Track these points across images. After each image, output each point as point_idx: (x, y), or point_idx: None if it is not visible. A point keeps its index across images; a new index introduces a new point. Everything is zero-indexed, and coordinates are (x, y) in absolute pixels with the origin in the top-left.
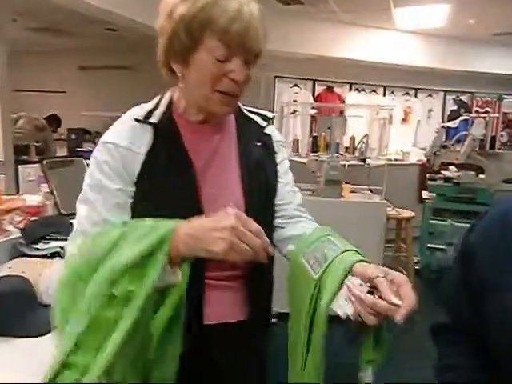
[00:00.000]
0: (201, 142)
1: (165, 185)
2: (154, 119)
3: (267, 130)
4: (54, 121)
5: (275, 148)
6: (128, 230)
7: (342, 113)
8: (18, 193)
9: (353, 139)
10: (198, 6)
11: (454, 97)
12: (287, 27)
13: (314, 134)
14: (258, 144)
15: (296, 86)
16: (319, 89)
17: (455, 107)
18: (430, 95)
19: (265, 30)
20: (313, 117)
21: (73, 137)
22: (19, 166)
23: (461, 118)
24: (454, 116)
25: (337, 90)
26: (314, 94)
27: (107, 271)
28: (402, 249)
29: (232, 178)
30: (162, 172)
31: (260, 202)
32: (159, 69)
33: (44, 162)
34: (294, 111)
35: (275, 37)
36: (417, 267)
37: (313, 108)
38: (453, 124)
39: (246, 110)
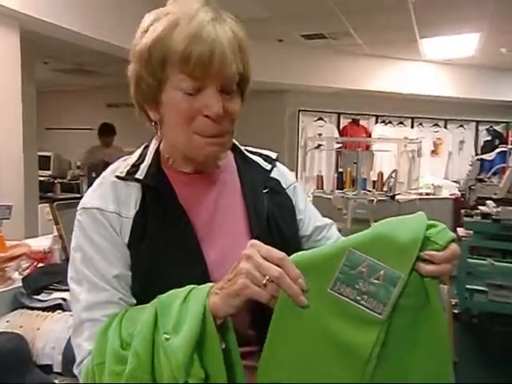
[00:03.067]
0: (198, 196)
1: (161, 253)
2: (139, 174)
3: (274, 174)
4: (108, 129)
5: (288, 193)
6: (161, 307)
7: (368, 147)
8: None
9: (381, 174)
10: (153, 37)
11: (487, 127)
12: (311, 61)
13: (340, 170)
14: (265, 191)
15: (321, 119)
16: (344, 122)
17: (489, 138)
18: (461, 126)
19: (244, 48)
20: (338, 151)
21: (93, 175)
22: (39, 205)
23: (497, 150)
24: (488, 147)
25: (362, 122)
26: (339, 128)
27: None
28: None
29: (239, 234)
30: (157, 238)
31: None
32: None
33: (55, 204)
34: (319, 145)
35: (299, 71)
36: (455, 311)
37: (338, 142)
38: (489, 156)
39: (246, 150)
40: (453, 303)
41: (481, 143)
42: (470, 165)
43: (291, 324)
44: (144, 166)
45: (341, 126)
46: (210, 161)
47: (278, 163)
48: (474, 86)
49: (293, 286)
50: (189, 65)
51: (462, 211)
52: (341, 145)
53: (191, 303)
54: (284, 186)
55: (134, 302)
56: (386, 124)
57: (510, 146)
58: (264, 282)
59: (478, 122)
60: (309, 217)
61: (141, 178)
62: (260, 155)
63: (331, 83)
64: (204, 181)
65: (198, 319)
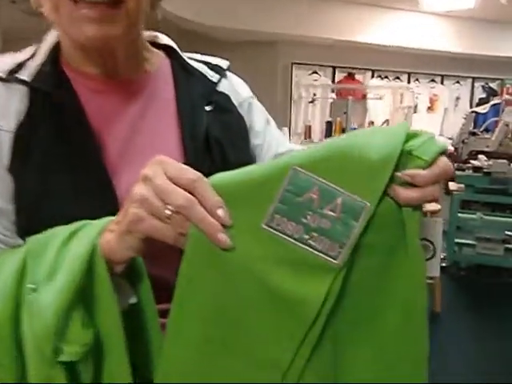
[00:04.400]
0: (113, 108)
1: (53, 182)
2: (25, 75)
3: (222, 88)
4: None
5: (240, 111)
6: (34, 248)
7: (363, 96)
8: None
9: (371, 124)
10: None
11: (482, 84)
12: (305, 11)
13: (328, 119)
14: (209, 108)
15: (315, 72)
16: (339, 76)
17: (484, 95)
18: (457, 82)
19: None
20: (332, 103)
21: None
22: None
23: (491, 103)
24: (482, 104)
25: (358, 76)
26: (333, 82)
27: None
28: None
29: None
30: (47, 162)
31: None
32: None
33: None
34: (313, 100)
35: (291, 20)
36: (443, 264)
37: (333, 91)
38: (482, 109)
39: (189, 58)
40: (441, 257)
41: (476, 100)
42: (464, 118)
43: (208, 273)
44: (33, 64)
45: (336, 80)
46: (98, 48)
47: (229, 74)
48: (472, 40)
49: (208, 219)
50: None
51: (455, 165)
52: (335, 96)
53: (75, 244)
54: (235, 102)
55: (20, 242)
56: (383, 79)
57: (504, 98)
58: (167, 212)
59: (474, 79)
60: (269, 142)
61: (27, 79)
62: (206, 63)
63: (326, 34)
64: (122, 89)
65: (79, 264)
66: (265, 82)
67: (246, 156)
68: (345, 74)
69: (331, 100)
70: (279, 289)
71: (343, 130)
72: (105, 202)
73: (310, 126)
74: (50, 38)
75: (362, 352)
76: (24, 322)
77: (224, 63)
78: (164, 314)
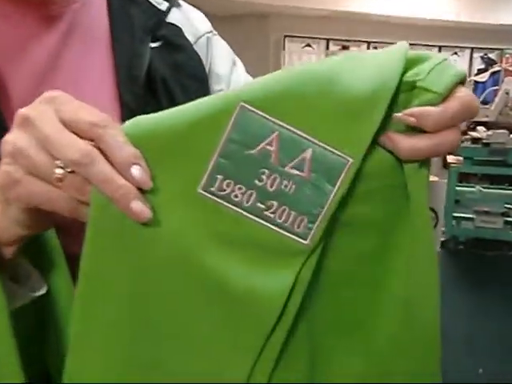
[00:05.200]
0: (20, 39)
1: None
2: None
3: (173, 19)
4: None
5: (196, 48)
6: None
7: None
8: None
9: None
10: None
11: (481, 54)
12: None
13: None
14: (155, 44)
15: (308, 46)
16: (334, 49)
17: (483, 65)
18: (455, 53)
19: None
20: None
21: None
22: None
23: (491, 71)
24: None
25: (353, 49)
26: (327, 55)
27: None
28: None
29: (100, 107)
30: None
31: None
32: None
33: None
34: None
35: None
36: (442, 238)
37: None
38: (481, 78)
39: None
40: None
41: (474, 71)
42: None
43: (120, 259)
44: None
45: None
46: None
47: (182, 2)
48: (471, 7)
49: (116, 181)
50: None
51: None
52: None
53: None
54: (190, 37)
55: None
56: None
57: (503, 66)
58: (56, 172)
59: (472, 49)
60: (233, 87)
61: None
62: None
63: (319, 4)
64: (36, 14)
65: None
66: (256, 57)
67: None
68: (339, 47)
69: None
70: (225, 280)
71: None
72: None
73: None
74: None
75: (350, 363)
76: None
77: None
78: None
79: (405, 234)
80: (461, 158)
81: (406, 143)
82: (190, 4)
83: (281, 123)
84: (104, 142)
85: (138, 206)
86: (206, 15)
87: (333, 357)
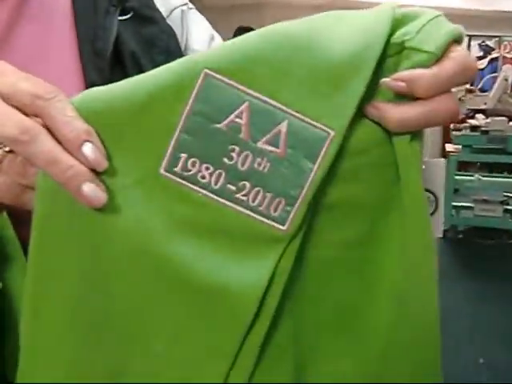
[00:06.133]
0: None
1: None
2: None
3: None
4: None
5: (169, 22)
6: None
7: None
8: None
9: None
10: None
11: (479, 42)
12: None
13: None
14: (124, 17)
15: None
16: None
17: (481, 53)
18: None
19: None
20: None
21: None
22: None
23: (489, 57)
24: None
25: None
26: None
27: None
28: None
29: (60, 82)
30: None
31: None
32: None
33: None
34: None
35: None
36: (442, 228)
37: None
38: (480, 64)
39: None
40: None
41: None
42: None
43: (72, 250)
44: None
45: None
46: None
47: None
48: None
49: (65, 161)
50: None
51: (451, 126)
52: None
53: None
54: (162, 9)
55: None
56: None
57: (502, 53)
58: None
59: (470, 37)
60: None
61: None
62: None
63: None
64: None
65: None
66: None
67: None
68: None
69: None
70: (192, 273)
71: None
72: None
73: None
74: None
75: (340, 363)
76: None
77: None
78: None
79: (396, 219)
80: (459, 147)
81: (396, 112)
82: None
83: (252, 92)
84: (49, 116)
85: (91, 189)
86: (205, 7)
87: (321, 357)
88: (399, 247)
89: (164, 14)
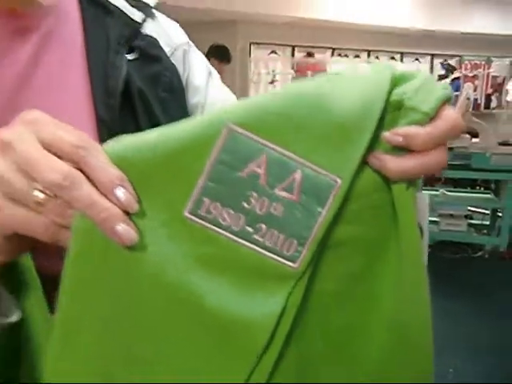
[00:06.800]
0: None
1: None
2: None
3: (148, 30)
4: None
5: (173, 60)
6: None
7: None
8: None
9: None
10: None
11: (441, 61)
12: None
13: None
14: (132, 57)
15: (274, 52)
16: (299, 55)
17: (443, 72)
18: (416, 59)
19: None
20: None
21: None
22: None
23: (451, 77)
24: (442, 80)
25: (318, 56)
26: (293, 61)
27: None
28: None
29: (75, 121)
30: None
31: None
32: None
33: None
34: (273, 81)
35: None
36: None
37: (293, 68)
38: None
39: None
40: None
41: (435, 77)
42: None
43: (103, 285)
44: None
45: (295, 60)
46: None
47: (157, 13)
48: (431, 15)
49: (101, 204)
50: None
51: None
52: (294, 73)
53: None
54: (166, 48)
55: None
56: (342, 57)
57: (463, 72)
58: (35, 195)
59: (433, 56)
60: (212, 100)
61: None
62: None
63: (284, 12)
64: (8, 29)
65: None
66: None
67: (180, 117)
68: (304, 54)
69: (291, 76)
70: (212, 305)
71: None
72: None
73: None
74: None
75: None
76: None
77: (151, 0)
78: None
79: (393, 254)
80: None
81: (394, 163)
82: (167, 11)
83: (269, 144)
84: (87, 163)
85: (124, 228)
86: (180, 23)
87: (322, 382)
88: (396, 281)
89: (168, 52)
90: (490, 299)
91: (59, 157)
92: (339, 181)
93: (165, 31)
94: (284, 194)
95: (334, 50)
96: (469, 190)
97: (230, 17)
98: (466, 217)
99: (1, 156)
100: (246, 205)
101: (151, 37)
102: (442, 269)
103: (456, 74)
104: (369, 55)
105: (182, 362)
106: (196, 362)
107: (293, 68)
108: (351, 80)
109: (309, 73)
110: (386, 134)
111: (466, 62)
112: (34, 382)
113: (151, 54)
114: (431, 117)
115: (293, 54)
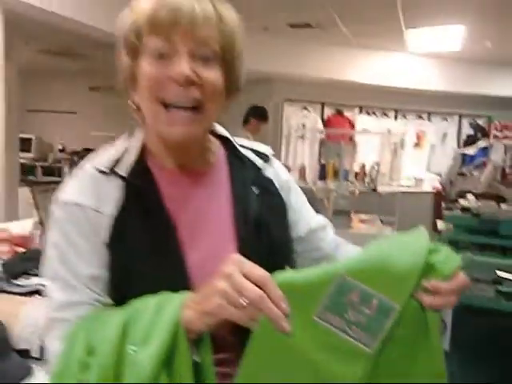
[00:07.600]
0: (185, 196)
1: (139, 255)
2: (121, 170)
3: (267, 173)
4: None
5: (281, 193)
6: (131, 316)
7: (351, 138)
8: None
9: (363, 166)
10: (131, 15)
11: (470, 121)
12: (297, 50)
13: (322, 162)
14: (257, 193)
15: (305, 109)
16: (328, 112)
17: (472, 132)
18: (444, 119)
19: (225, 19)
20: (321, 142)
21: (75, 159)
22: (19, 189)
23: (480, 146)
24: (470, 141)
25: (347, 113)
26: (322, 118)
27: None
28: None
29: (224, 238)
30: (138, 239)
31: (265, 267)
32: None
33: (36, 187)
34: (303, 136)
35: (284, 60)
36: None
37: (321, 132)
38: (471, 151)
39: (240, 145)
40: None
41: (463, 137)
42: (453, 159)
43: (271, 351)
44: (128, 162)
45: (325, 116)
46: (182, 145)
47: (272, 159)
48: (459, 80)
49: (274, 310)
50: (155, 22)
51: (443, 205)
52: (323, 136)
53: (163, 315)
54: (277, 185)
55: (111, 302)
56: (370, 115)
57: (491, 142)
58: (242, 303)
59: (460, 116)
60: (304, 218)
61: (124, 175)
62: (253, 151)
63: (316, 73)
64: (192, 179)
65: (169, 333)
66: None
67: (286, 233)
68: (333, 112)
69: (320, 136)
70: (325, 368)
71: (335, 172)
72: (179, 277)
73: (304, 167)
74: (137, 137)
75: None
76: (126, 373)
77: (268, 151)
78: (218, 362)
79: (422, 347)
80: (450, 225)
81: (428, 299)
82: None
83: (361, 285)
84: (267, 287)
85: (285, 324)
86: None
87: None
88: (424, 363)
89: (278, 186)
90: None
91: (251, 281)
92: (397, 306)
93: (276, 172)
94: (367, 311)
95: (362, 107)
96: (496, 254)
97: (266, 76)
98: (494, 282)
99: (224, 280)
100: (346, 315)
101: (269, 179)
102: (469, 335)
103: (485, 144)
104: (396, 113)
105: None
106: None
107: (323, 124)
108: (403, 244)
109: (342, 142)
110: (425, 283)
111: (496, 122)
112: None
113: (269, 190)
114: (450, 277)
115: (322, 111)
